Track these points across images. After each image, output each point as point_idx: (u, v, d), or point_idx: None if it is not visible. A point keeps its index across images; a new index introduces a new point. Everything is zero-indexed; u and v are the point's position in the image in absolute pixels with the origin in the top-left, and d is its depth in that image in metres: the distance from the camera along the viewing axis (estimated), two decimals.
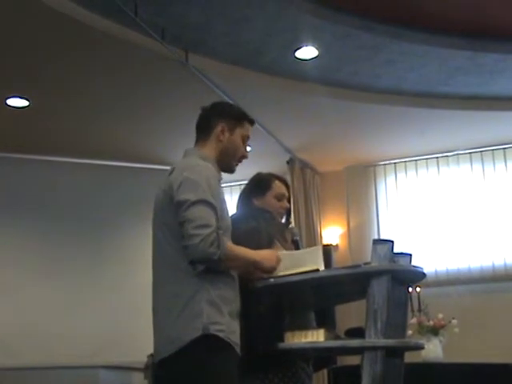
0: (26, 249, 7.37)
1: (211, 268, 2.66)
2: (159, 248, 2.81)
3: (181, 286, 2.70)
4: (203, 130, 3.01)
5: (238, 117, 3.04)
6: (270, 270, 2.87)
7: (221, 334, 2.64)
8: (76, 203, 7.53)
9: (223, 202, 2.83)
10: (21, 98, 6.13)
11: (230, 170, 3.04)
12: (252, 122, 3.11)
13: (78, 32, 5.08)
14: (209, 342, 2.62)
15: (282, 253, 2.98)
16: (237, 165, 3.05)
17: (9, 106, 6.23)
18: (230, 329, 2.68)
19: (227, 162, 3.00)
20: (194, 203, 2.66)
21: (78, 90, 6.08)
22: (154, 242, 2.84)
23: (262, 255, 2.87)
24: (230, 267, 2.74)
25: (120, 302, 7.21)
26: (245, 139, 3.05)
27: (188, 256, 2.65)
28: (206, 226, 2.62)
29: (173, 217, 2.72)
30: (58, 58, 5.50)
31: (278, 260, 2.89)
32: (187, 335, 2.63)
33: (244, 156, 3.06)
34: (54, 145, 7.25)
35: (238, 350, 2.73)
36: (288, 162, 7.98)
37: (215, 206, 2.70)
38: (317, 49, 5.70)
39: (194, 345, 2.61)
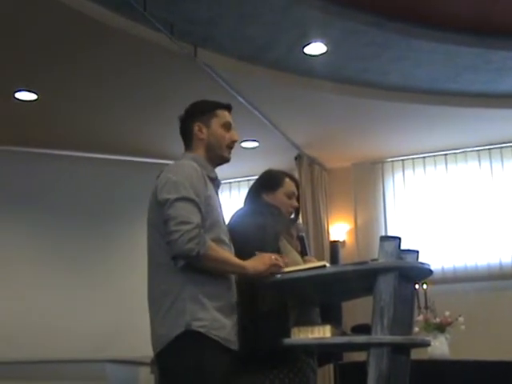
0: (31, 245, 7.37)
1: (192, 265, 2.71)
2: (149, 247, 2.90)
3: (167, 283, 2.77)
4: (185, 136, 3.11)
5: (207, 109, 3.08)
6: (259, 274, 2.86)
7: (202, 330, 2.69)
8: (83, 198, 7.52)
9: (210, 198, 2.87)
10: (29, 91, 6.15)
11: (224, 160, 3.08)
12: (227, 107, 3.12)
13: (87, 26, 5.09)
14: (191, 338, 2.69)
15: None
16: (229, 153, 3.08)
17: (17, 99, 6.25)
18: (214, 325, 2.72)
19: (217, 154, 3.05)
20: (176, 200, 2.74)
21: (87, 84, 6.09)
22: (147, 242, 2.93)
23: (251, 263, 2.86)
24: (209, 267, 2.75)
25: (127, 297, 7.22)
26: (226, 125, 3.07)
27: (171, 252, 2.71)
28: (186, 222, 2.68)
29: (158, 216, 2.81)
30: (67, 51, 5.52)
31: (268, 265, 2.87)
32: (172, 332, 2.70)
33: (233, 141, 3.08)
34: (61, 139, 7.26)
35: (228, 344, 2.76)
36: (296, 158, 7.98)
37: (198, 203, 2.76)
38: (325, 45, 5.69)
39: (178, 341, 2.69)
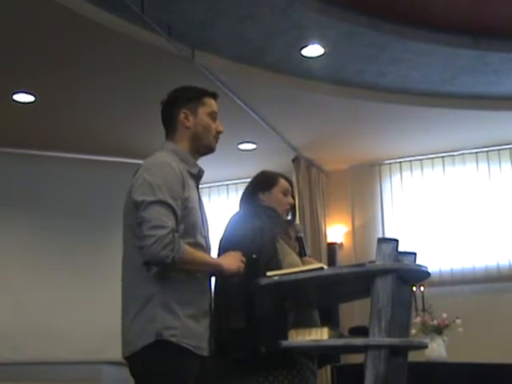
0: (31, 246, 7.35)
1: (167, 270, 2.64)
2: (124, 249, 2.81)
3: (138, 287, 2.70)
4: (168, 123, 2.98)
5: (195, 97, 2.97)
6: (232, 273, 2.85)
7: (173, 339, 2.63)
8: (80, 199, 7.52)
9: (188, 200, 2.78)
10: (27, 93, 6.14)
11: (210, 150, 2.99)
12: (214, 96, 3.03)
13: (84, 28, 5.08)
14: (162, 347, 2.63)
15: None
16: (215, 142, 2.99)
17: (15, 101, 6.25)
18: (185, 333, 2.67)
19: (203, 144, 2.95)
20: (151, 203, 2.65)
21: (84, 85, 6.09)
22: (123, 243, 2.83)
23: (225, 260, 2.86)
24: (185, 270, 2.70)
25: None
26: (212, 115, 2.98)
27: (143, 257, 2.64)
28: (161, 226, 2.60)
29: (133, 218, 2.71)
30: (65, 53, 5.51)
31: (239, 263, 2.87)
32: (141, 340, 2.64)
33: (219, 131, 2.99)
34: (59, 140, 7.25)
35: (199, 352, 2.72)
36: (293, 160, 7.98)
37: (174, 207, 2.67)
38: (323, 47, 5.69)
39: (149, 349, 2.63)
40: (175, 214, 2.68)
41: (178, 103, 2.95)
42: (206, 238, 2.90)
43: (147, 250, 2.60)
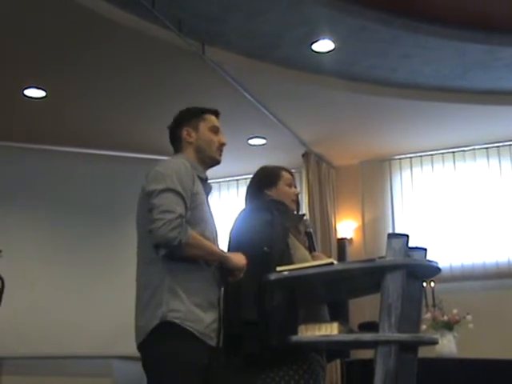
0: (42, 240, 7.37)
1: (173, 254, 2.76)
2: (138, 241, 2.96)
3: (148, 276, 2.85)
4: (175, 142, 3.16)
5: (195, 115, 3.15)
6: (237, 269, 2.93)
7: (177, 321, 2.75)
8: (93, 195, 7.53)
9: (197, 195, 2.92)
10: (38, 88, 6.16)
11: (215, 162, 3.15)
12: (214, 112, 3.20)
13: (95, 23, 5.10)
14: (167, 329, 2.75)
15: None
16: (220, 155, 3.15)
17: (26, 96, 6.27)
18: (189, 316, 2.77)
19: (207, 156, 3.11)
20: (161, 191, 2.80)
21: (95, 80, 6.10)
22: (137, 237, 2.98)
23: (232, 255, 2.96)
24: (190, 255, 2.81)
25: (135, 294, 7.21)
26: (214, 129, 3.15)
27: (152, 240, 2.77)
28: (170, 211, 2.74)
29: (144, 210, 2.86)
30: (75, 49, 5.52)
31: (245, 263, 2.95)
32: (150, 324, 2.77)
33: (222, 144, 3.15)
34: (70, 135, 7.27)
35: (204, 338, 2.80)
36: (303, 156, 7.97)
37: (183, 194, 2.82)
38: (333, 42, 5.68)
39: (155, 332, 2.75)
40: (184, 201, 2.82)
41: (180, 123, 3.15)
42: (214, 240, 3.00)
43: (156, 232, 2.73)
